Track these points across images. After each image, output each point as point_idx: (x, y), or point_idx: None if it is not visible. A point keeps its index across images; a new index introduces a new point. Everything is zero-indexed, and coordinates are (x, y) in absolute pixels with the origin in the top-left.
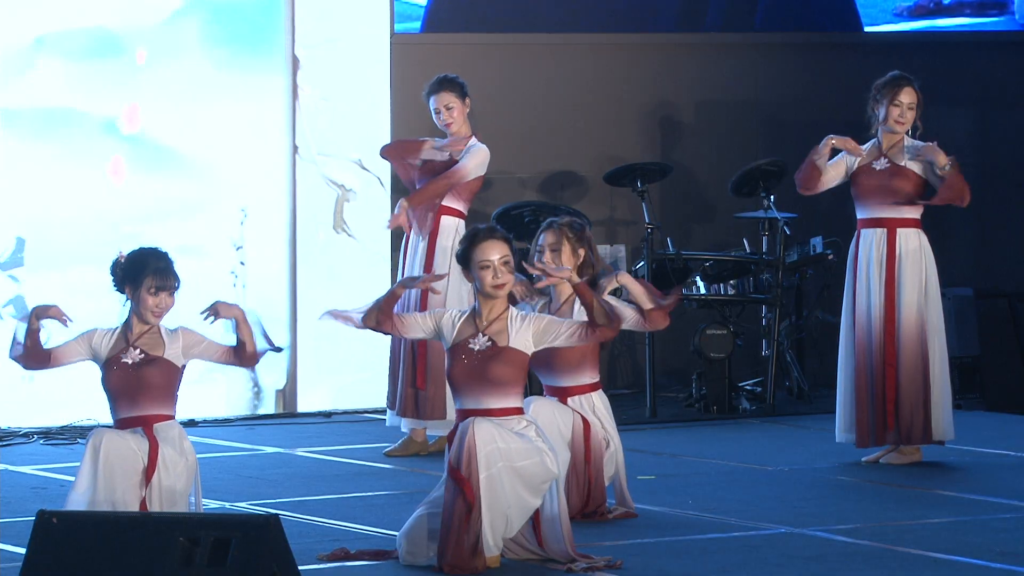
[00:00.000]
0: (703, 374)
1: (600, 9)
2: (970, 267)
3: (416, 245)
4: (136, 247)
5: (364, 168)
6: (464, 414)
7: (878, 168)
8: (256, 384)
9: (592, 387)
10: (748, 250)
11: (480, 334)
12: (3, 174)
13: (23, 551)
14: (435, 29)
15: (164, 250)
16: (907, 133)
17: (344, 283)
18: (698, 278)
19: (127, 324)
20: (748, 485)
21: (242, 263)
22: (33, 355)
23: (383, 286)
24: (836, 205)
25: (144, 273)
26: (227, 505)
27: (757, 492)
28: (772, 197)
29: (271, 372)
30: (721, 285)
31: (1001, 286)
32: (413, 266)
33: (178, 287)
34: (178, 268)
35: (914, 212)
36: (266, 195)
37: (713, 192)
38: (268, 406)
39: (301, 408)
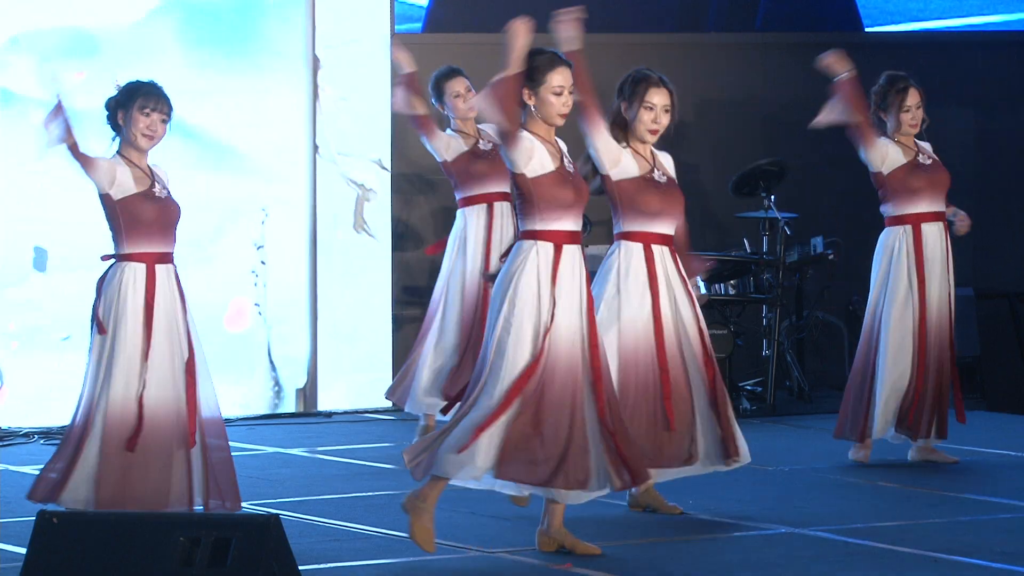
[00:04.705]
0: None
1: (600, 9)
2: (970, 267)
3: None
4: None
5: (383, 168)
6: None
7: (925, 164)
8: (277, 383)
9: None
10: (748, 250)
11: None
12: (11, 186)
13: (23, 551)
14: (435, 29)
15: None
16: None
17: (364, 283)
18: (698, 278)
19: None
20: (748, 485)
21: (263, 262)
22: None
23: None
24: (836, 205)
25: (136, 94)
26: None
27: (757, 492)
28: (772, 197)
29: (292, 371)
30: (721, 285)
31: (1001, 286)
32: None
33: (170, 116)
34: (196, 263)
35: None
36: (286, 195)
37: (713, 192)
38: (288, 405)
39: (322, 407)
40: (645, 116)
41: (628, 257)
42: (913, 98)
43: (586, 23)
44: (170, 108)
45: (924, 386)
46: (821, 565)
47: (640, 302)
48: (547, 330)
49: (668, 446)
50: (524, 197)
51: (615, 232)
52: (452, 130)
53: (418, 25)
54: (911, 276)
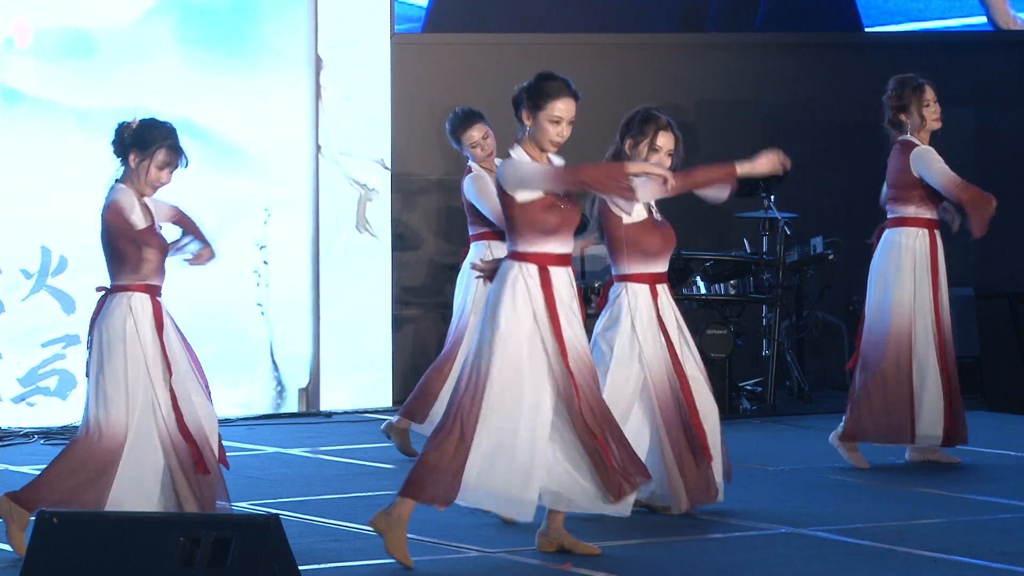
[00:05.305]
0: None
1: (600, 9)
2: (970, 267)
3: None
4: (150, 117)
5: (385, 168)
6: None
7: None
8: (279, 383)
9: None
10: (748, 250)
11: None
12: (11, 186)
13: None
14: (435, 29)
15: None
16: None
17: (366, 283)
18: (698, 278)
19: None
20: (748, 485)
21: (265, 262)
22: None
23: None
24: (836, 205)
25: (157, 143)
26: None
27: (757, 492)
28: (772, 197)
29: (294, 371)
30: (721, 285)
31: (1001, 286)
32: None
33: (184, 166)
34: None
35: None
36: (289, 195)
37: None
38: (291, 405)
39: (324, 407)
40: (651, 158)
41: (636, 300)
42: (930, 93)
43: (586, 23)
44: (186, 160)
45: (952, 392)
46: (821, 565)
47: (655, 343)
48: (563, 352)
49: (709, 477)
50: (511, 220)
51: (616, 274)
52: (474, 163)
53: (418, 25)
54: (930, 280)
